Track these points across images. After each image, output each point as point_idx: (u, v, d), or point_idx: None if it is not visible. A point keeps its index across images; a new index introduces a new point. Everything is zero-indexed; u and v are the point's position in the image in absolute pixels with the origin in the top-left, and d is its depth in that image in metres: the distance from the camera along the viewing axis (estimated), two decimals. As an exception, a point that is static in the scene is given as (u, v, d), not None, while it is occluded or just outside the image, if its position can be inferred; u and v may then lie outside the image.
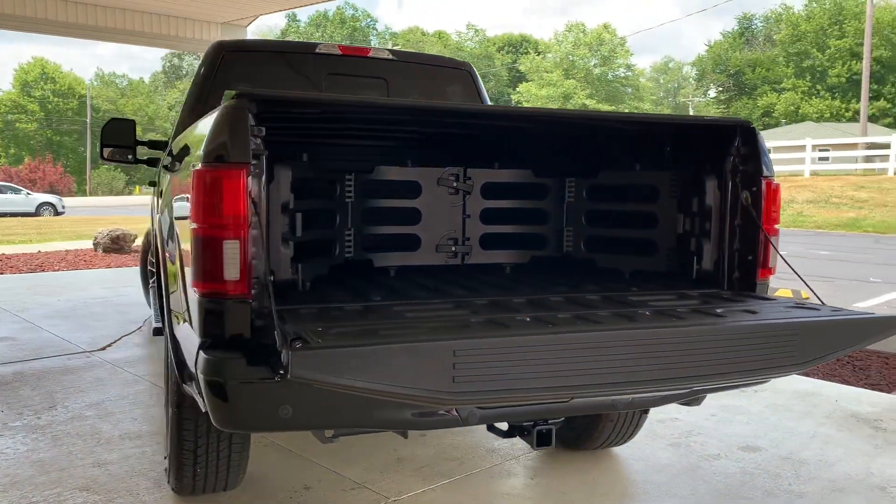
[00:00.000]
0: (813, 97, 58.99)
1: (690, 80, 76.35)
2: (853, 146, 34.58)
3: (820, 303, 2.66)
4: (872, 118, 46.96)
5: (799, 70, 61.38)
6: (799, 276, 2.82)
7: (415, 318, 2.31)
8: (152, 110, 69.44)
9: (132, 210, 35.17)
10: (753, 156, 2.89)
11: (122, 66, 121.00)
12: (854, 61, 56.54)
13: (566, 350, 1.96)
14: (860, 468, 3.73)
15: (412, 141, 3.44)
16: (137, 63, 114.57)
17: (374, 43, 76.69)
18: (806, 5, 64.00)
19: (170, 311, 2.94)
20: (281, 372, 1.92)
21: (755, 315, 2.36)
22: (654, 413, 4.24)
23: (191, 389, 2.65)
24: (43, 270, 11.05)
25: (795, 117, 56.32)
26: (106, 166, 63.51)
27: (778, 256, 2.90)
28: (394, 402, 2.20)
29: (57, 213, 31.45)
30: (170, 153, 4.26)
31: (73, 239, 16.66)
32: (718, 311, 2.45)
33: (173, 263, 2.90)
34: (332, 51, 4.67)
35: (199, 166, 2.30)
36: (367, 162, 3.33)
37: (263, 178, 2.34)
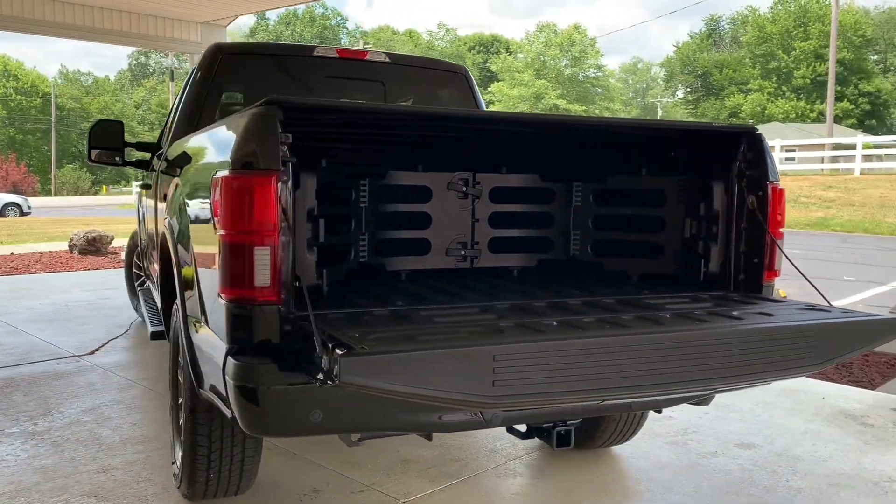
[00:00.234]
0: (779, 98, 60.14)
1: (659, 80, 77.22)
2: (819, 147, 35.29)
3: (828, 304, 2.75)
4: (836, 119, 47.93)
5: (765, 71, 62.53)
6: (806, 277, 2.90)
7: (447, 323, 2.35)
8: (118, 108, 68.31)
9: (100, 211, 34.64)
10: (759, 161, 2.97)
11: (83, 63, 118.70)
12: (818, 63, 57.74)
13: (601, 353, 2.02)
14: (852, 464, 3.85)
15: (423, 146, 3.48)
16: (98, 60, 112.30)
17: (345, 42, 76.32)
18: (772, 7, 65.27)
19: (184, 316, 2.93)
20: (321, 377, 1.95)
21: (772, 317, 2.44)
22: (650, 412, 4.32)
23: (209, 395, 2.65)
24: (19, 273, 10.85)
25: (762, 118, 57.33)
26: (71, 165, 62.62)
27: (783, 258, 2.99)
28: (429, 405, 2.24)
29: (23, 214, 30.78)
30: (165, 157, 4.23)
31: (45, 240, 16.35)
32: (735, 313, 2.53)
33: (188, 268, 2.89)
34: (329, 54, 4.69)
35: (225, 173, 2.31)
36: (380, 167, 3.36)
37: (290, 184, 2.35)
